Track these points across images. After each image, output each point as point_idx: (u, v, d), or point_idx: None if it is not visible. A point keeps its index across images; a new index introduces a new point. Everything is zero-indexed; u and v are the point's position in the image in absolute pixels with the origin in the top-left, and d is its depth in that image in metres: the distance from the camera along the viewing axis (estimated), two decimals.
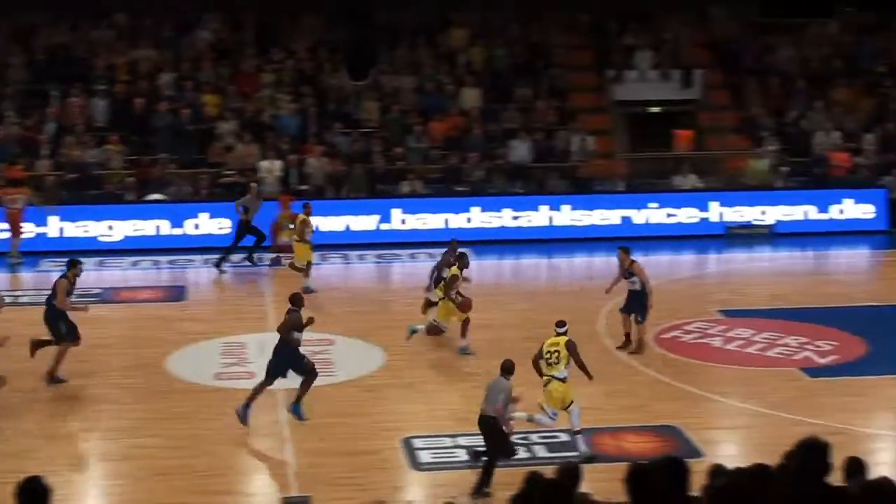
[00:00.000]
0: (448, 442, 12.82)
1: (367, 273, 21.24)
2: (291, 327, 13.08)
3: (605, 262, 21.53)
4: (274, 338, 13.34)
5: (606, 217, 23.27)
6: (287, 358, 13.13)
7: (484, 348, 15.97)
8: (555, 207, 23.19)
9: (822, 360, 15.37)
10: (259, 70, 25.72)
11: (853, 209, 23.44)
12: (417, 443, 12.79)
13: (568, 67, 27.18)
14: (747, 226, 23.32)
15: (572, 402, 12.42)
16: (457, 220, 22.92)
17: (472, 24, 27.47)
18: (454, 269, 15.91)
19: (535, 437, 12.87)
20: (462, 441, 12.81)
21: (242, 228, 20.58)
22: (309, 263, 18.88)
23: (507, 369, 11.83)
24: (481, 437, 11.69)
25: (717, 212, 23.47)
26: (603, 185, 24.39)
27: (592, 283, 19.88)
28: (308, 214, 19.25)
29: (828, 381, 14.60)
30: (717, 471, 6.76)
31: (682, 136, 25.86)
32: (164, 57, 25.66)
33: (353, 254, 21.85)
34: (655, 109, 27.21)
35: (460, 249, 16.61)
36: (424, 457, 12.49)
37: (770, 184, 24.06)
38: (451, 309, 15.69)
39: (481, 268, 21.10)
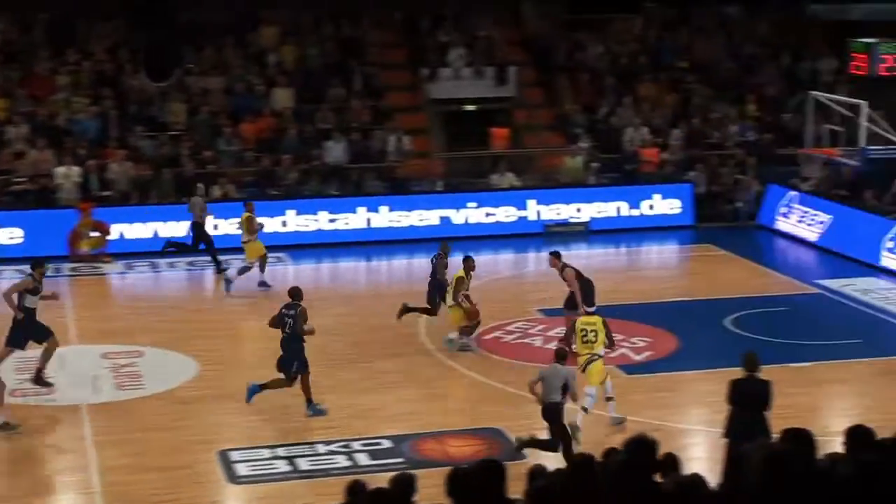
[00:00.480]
0: (266, 454, 12.59)
1: (178, 281, 20.65)
2: (305, 320, 13.58)
3: (425, 265, 21.72)
4: (72, 351, 12.77)
5: (425, 218, 23.39)
6: (297, 353, 13.59)
7: (310, 356, 15.77)
8: (372, 209, 23.14)
9: (638, 357, 15.81)
10: (53, 72, 24.65)
11: (661, 205, 24.30)
12: (234, 455, 12.50)
13: (382, 66, 27.19)
14: (564, 223, 23.87)
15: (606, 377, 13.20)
16: (272, 224, 22.56)
17: (282, 23, 27.12)
18: (460, 272, 15.98)
19: (356, 445, 12.78)
20: (281, 452, 12.59)
21: (197, 230, 20.44)
22: (262, 257, 19.14)
23: (563, 356, 12.21)
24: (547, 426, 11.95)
25: (535, 210, 23.93)
26: (420, 185, 24.50)
27: (413, 285, 19.98)
28: (251, 211, 19.36)
29: (643, 377, 15.01)
30: (537, 472, 6.82)
31: (498, 134, 26.25)
32: None
33: (163, 261, 21.18)
34: (471, 107, 27.54)
35: (467, 254, 16.58)
36: (242, 469, 12.22)
37: (584, 181, 24.69)
38: (462, 314, 15.76)
39: (298, 273, 20.85)
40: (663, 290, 19.11)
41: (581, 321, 13.60)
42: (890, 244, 20.19)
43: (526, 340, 16.67)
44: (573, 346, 13.76)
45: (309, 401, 13.71)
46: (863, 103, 17.23)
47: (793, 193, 23.42)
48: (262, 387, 13.77)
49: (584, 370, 13.13)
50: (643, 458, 5.98)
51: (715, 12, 29.81)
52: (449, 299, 16.09)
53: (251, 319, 17.56)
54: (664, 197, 24.31)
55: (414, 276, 21.14)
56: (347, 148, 24.60)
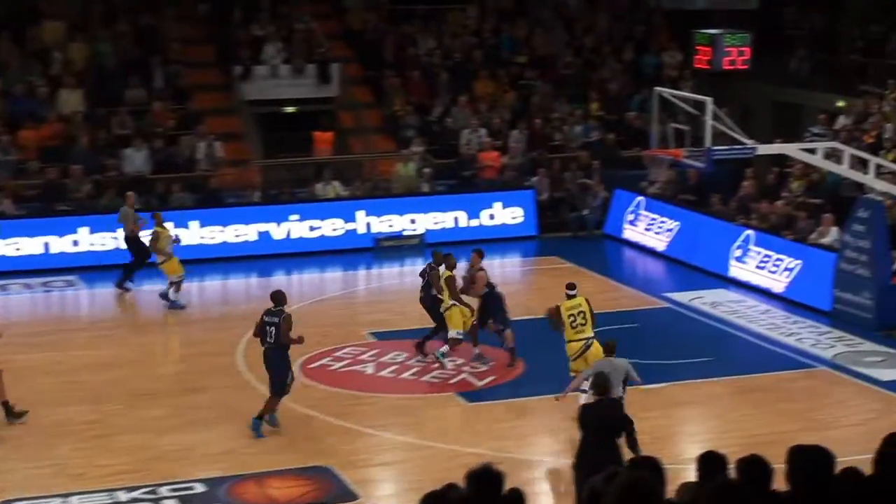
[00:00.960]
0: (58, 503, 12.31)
1: None
2: (290, 329, 13.75)
3: (244, 285, 21.59)
4: None
5: (242, 233, 23.23)
6: (284, 364, 13.93)
7: (105, 391, 15.48)
8: (181, 224, 22.78)
9: (480, 383, 16.08)
10: None
11: (502, 214, 24.81)
12: None
13: (187, 64, 26.90)
14: (397, 236, 24.08)
15: None
16: (60, 244, 22.02)
17: (69, 16, 26.53)
18: (446, 272, 16.18)
19: (164, 491, 12.63)
20: (75, 501, 12.31)
21: (132, 244, 20.61)
22: (180, 277, 19.51)
23: (613, 348, 13.10)
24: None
25: (365, 222, 24.08)
26: (235, 196, 24.32)
27: (229, 309, 19.81)
28: (159, 225, 19.64)
29: (486, 405, 15.29)
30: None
31: (322, 138, 26.33)
32: None
33: None
34: (290, 109, 27.54)
35: (445, 251, 16.96)
36: None
37: (418, 189, 24.98)
38: (461, 314, 16.13)
39: (93, 298, 20.43)
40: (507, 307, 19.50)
41: (565, 306, 14.45)
42: (738, 252, 21.16)
43: (357, 368, 16.75)
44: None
45: (261, 417, 14.07)
46: (707, 100, 17.97)
47: (640, 199, 24.30)
48: (261, 416, 14.07)
49: (581, 357, 14.17)
50: (487, 493, 6.04)
51: (554, 2, 30.65)
52: (446, 302, 16.19)
53: (33, 352, 17.10)
54: (505, 205, 24.84)
55: (230, 298, 21.00)
56: (150, 156, 24.22)
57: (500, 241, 24.25)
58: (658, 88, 19.68)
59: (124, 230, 20.82)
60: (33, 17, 26.17)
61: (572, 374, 14.23)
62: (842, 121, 24.43)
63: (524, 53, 29.16)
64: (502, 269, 22.63)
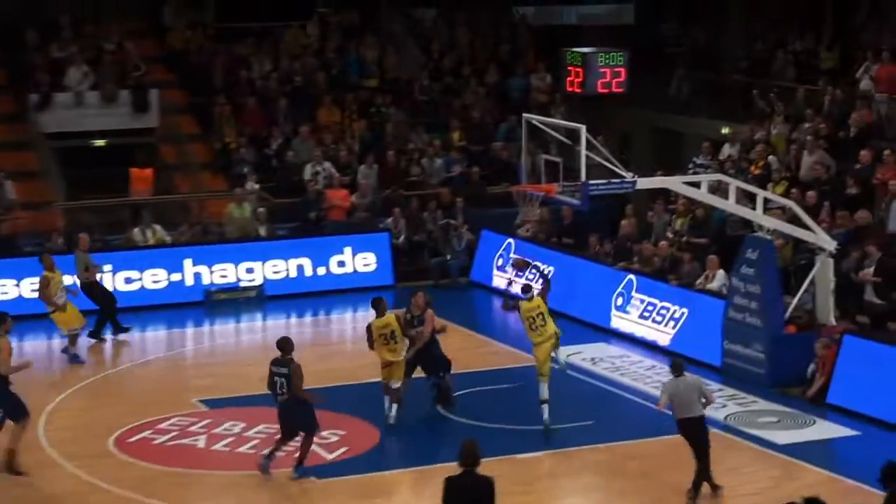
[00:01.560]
0: None
1: None
2: (301, 379, 14.59)
3: (44, 347, 21.15)
4: None
5: None
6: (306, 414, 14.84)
7: None
8: None
9: (330, 456, 16.06)
10: None
11: (353, 261, 24.89)
12: None
13: None
14: (232, 288, 23.95)
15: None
16: None
17: None
18: (383, 320, 16.85)
19: None
20: None
21: (92, 290, 21.15)
22: (74, 329, 20.07)
23: (681, 368, 14.37)
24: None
25: (192, 273, 23.89)
26: (33, 244, 23.87)
27: (37, 373, 19.41)
28: (49, 269, 20.04)
29: (337, 481, 15.25)
30: None
31: (140, 176, 26.09)
32: None
33: None
34: (100, 143, 27.24)
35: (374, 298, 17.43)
36: None
37: (255, 233, 24.92)
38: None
39: None
40: (359, 368, 19.56)
41: (524, 309, 16.51)
42: (619, 301, 21.66)
43: (185, 441, 16.62)
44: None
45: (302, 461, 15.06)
46: (581, 127, 18.37)
47: (510, 241, 24.67)
48: (300, 461, 15.02)
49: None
50: None
51: (406, 17, 31.05)
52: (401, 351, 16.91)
53: None
54: (356, 251, 24.96)
55: (35, 360, 20.48)
56: None
57: (351, 291, 24.35)
58: (526, 115, 20.05)
59: (78, 277, 21.15)
60: None
61: (541, 377, 16.54)
62: (727, 149, 25.27)
63: (374, 76, 29.44)
64: (353, 324, 22.71)
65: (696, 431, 14.29)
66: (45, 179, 25.96)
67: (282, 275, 24.42)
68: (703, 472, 14.32)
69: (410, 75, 29.91)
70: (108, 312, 21.45)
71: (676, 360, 14.77)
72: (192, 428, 17.04)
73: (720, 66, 30.56)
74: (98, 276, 21.80)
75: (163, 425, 17.07)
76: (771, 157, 23.86)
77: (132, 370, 19.71)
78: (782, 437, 16.67)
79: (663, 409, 14.64)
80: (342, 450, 16.23)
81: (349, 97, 28.50)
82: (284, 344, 14.90)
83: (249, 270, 24.26)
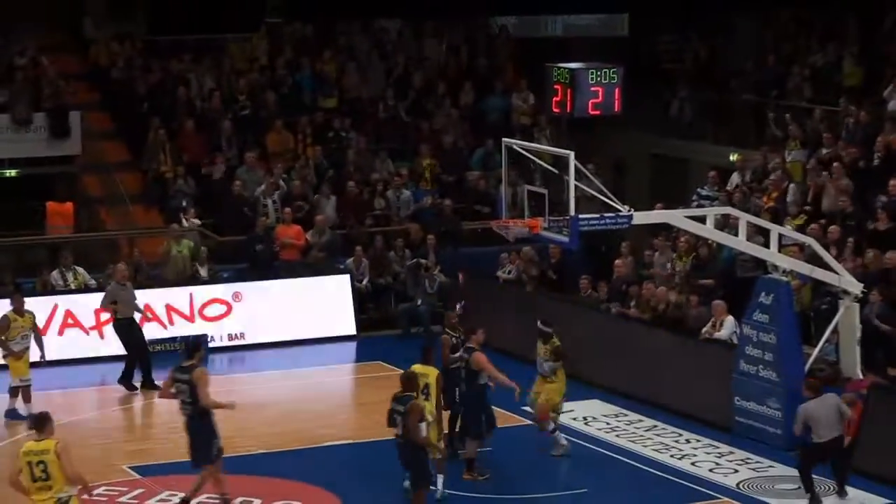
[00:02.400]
0: None
1: None
2: (420, 418, 15.59)
3: None
4: None
5: None
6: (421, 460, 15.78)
7: None
8: None
9: None
10: None
11: (309, 307, 25.02)
12: None
13: None
14: (168, 340, 23.94)
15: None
16: None
17: None
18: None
19: None
20: None
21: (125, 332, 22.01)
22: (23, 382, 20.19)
23: (817, 387, 16.47)
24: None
25: None
26: None
27: None
28: (18, 311, 20.33)
29: None
30: None
31: (58, 210, 26.22)
32: None
33: None
34: (11, 173, 27.36)
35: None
36: None
37: (196, 275, 25.04)
38: None
39: None
40: (319, 430, 19.79)
41: (540, 350, 18.38)
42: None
43: None
44: None
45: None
46: (569, 154, 18.59)
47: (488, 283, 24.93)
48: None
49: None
50: None
51: (368, 29, 31.28)
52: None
53: None
54: (312, 296, 25.13)
55: None
56: None
57: (308, 342, 24.57)
58: (507, 140, 20.23)
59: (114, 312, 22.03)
60: None
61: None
62: (735, 179, 25.52)
63: (332, 96, 29.67)
64: (312, 379, 22.85)
65: (840, 452, 16.31)
66: None
67: (228, 324, 24.56)
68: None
69: (374, 94, 30.14)
70: (135, 359, 21.98)
71: (812, 380, 16.70)
72: (123, 498, 17.23)
73: (727, 84, 30.68)
74: (137, 317, 22.39)
75: (90, 496, 17.08)
76: (789, 186, 24.00)
77: (58, 431, 19.82)
78: None
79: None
80: None
81: (303, 119, 28.75)
82: (408, 381, 16.08)
83: (188, 318, 24.38)
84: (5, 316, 20.49)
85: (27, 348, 20.48)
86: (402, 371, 22.59)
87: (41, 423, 14.03)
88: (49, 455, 13.61)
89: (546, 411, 18.54)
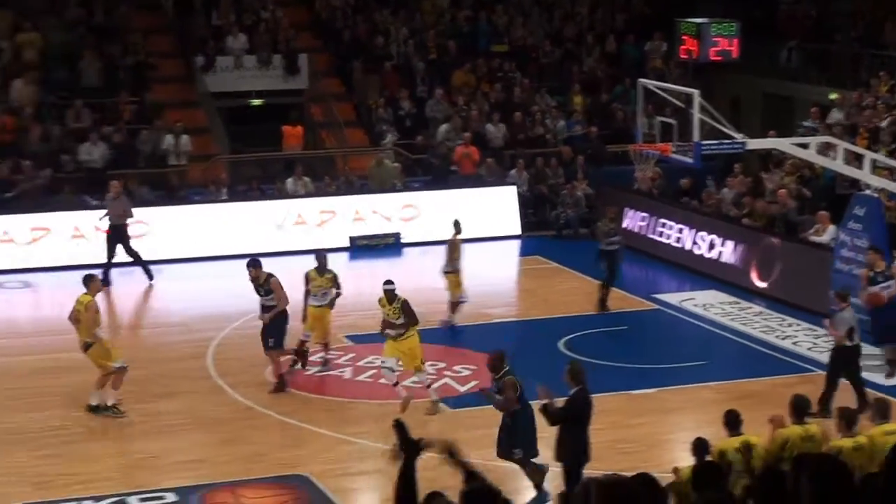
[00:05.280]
0: None
1: None
2: (514, 393, 12.59)
3: (211, 287, 21.59)
4: None
5: (209, 231, 23.16)
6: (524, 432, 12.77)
7: (68, 397, 15.49)
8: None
9: (462, 388, 16.19)
10: None
11: (482, 211, 24.85)
12: None
13: (147, 54, 26.95)
14: (372, 235, 24.06)
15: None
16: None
17: (20, 4, 26.51)
18: (454, 237, 18.56)
19: (133, 500, 12.76)
20: None
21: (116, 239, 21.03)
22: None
23: (844, 297, 15.14)
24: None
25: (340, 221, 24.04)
26: (201, 193, 24.30)
27: (196, 312, 19.83)
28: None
29: (469, 411, 15.26)
30: None
31: (291, 132, 26.40)
32: None
33: None
34: (257, 102, 27.60)
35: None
36: None
37: (394, 185, 25.06)
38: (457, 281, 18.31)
39: (37, 302, 20.44)
40: (488, 309, 19.68)
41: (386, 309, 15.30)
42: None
43: (333, 372, 16.86)
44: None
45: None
46: (695, 92, 18.14)
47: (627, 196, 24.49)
48: (539, 489, 12.85)
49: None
50: None
51: None
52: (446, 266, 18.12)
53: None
54: (484, 202, 24.88)
55: (197, 300, 20.90)
56: (109, 150, 24.23)
57: (479, 240, 24.38)
58: (642, 80, 19.82)
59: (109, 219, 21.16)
60: None
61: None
62: (834, 114, 24.75)
63: (503, 43, 29.35)
64: (483, 268, 22.76)
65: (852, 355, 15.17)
66: (211, 134, 26.42)
67: (416, 224, 24.47)
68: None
69: (536, 42, 29.75)
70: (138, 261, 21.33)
71: (843, 291, 15.38)
72: (339, 360, 17.25)
73: (831, 37, 29.78)
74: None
75: (312, 357, 17.23)
76: (882, 121, 23.24)
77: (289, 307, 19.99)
78: (887, 379, 16.33)
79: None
80: (473, 383, 16.30)
81: (480, 62, 28.43)
82: (496, 360, 12.98)
83: (388, 219, 24.38)
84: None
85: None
86: (555, 264, 22.62)
87: (84, 281, 15.01)
88: (80, 306, 14.78)
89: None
